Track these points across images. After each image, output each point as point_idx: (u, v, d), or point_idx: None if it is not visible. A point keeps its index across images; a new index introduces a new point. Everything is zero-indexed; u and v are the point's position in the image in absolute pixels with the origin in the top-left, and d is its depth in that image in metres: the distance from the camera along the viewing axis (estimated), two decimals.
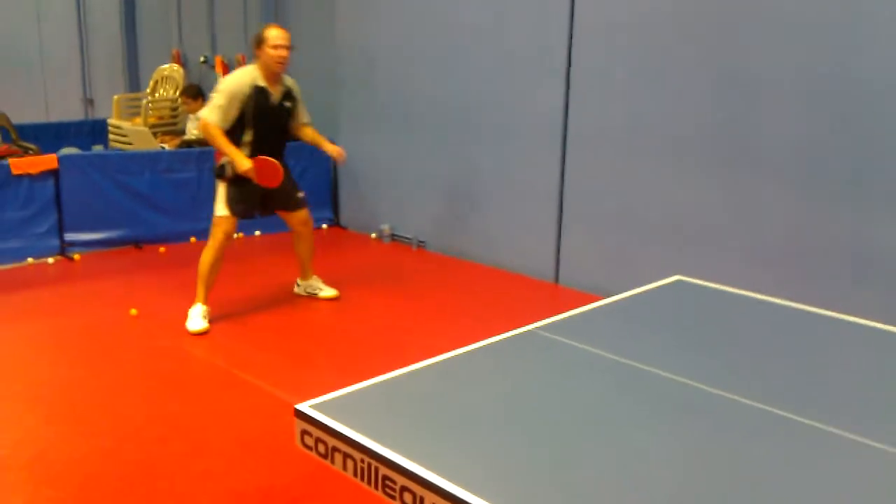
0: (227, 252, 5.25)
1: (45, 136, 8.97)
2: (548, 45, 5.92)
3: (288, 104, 5.27)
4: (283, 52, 5.06)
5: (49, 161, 6.58)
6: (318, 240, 7.48)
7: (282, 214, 5.54)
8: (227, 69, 8.67)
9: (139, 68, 10.56)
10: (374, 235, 7.46)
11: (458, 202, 6.80)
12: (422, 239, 7.12)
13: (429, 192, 7.03)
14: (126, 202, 6.89)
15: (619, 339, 2.82)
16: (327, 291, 5.79)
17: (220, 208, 5.17)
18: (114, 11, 10.55)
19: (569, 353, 2.68)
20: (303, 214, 5.52)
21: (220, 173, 5.14)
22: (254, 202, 5.26)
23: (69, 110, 11.37)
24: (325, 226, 7.77)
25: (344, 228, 7.82)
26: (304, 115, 5.46)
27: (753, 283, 3.66)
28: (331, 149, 5.44)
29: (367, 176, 7.56)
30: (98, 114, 10.91)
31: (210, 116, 5.01)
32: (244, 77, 5.10)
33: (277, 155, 5.23)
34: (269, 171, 5.10)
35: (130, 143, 8.41)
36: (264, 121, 5.12)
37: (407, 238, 7.23)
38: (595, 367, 2.59)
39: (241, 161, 4.97)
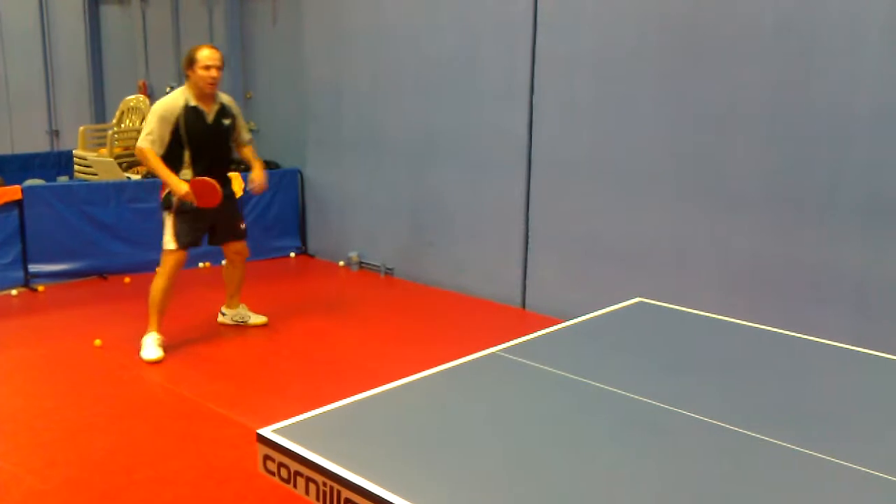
0: (179, 283, 5.23)
1: (10, 167, 8.90)
2: (512, 75, 6.02)
3: (226, 121, 5.25)
4: (214, 73, 5.04)
5: (13, 192, 6.53)
6: (287, 268, 7.52)
7: (222, 244, 5.51)
8: None
9: (105, 99, 10.54)
10: (342, 263, 7.47)
11: (425, 230, 6.84)
12: (389, 266, 7.15)
13: (396, 220, 7.07)
14: (91, 233, 6.85)
15: (581, 360, 2.86)
16: (256, 318, 5.76)
17: (169, 241, 5.13)
18: (80, 43, 10.53)
19: (531, 375, 2.72)
20: (241, 245, 5.51)
21: (166, 205, 5.10)
22: (200, 232, 5.26)
23: (35, 142, 11.28)
24: (293, 254, 7.77)
25: (312, 257, 7.83)
26: (244, 133, 5.46)
27: (719, 306, 3.73)
28: (254, 175, 5.35)
29: (335, 204, 7.58)
30: (64, 145, 10.84)
31: (142, 142, 5.01)
32: (174, 99, 5.07)
33: (220, 173, 5.21)
34: (207, 191, 5.04)
35: (95, 174, 8.36)
36: (201, 140, 5.11)
37: (375, 266, 7.25)
38: (557, 387, 2.62)
39: (177, 185, 4.94)
